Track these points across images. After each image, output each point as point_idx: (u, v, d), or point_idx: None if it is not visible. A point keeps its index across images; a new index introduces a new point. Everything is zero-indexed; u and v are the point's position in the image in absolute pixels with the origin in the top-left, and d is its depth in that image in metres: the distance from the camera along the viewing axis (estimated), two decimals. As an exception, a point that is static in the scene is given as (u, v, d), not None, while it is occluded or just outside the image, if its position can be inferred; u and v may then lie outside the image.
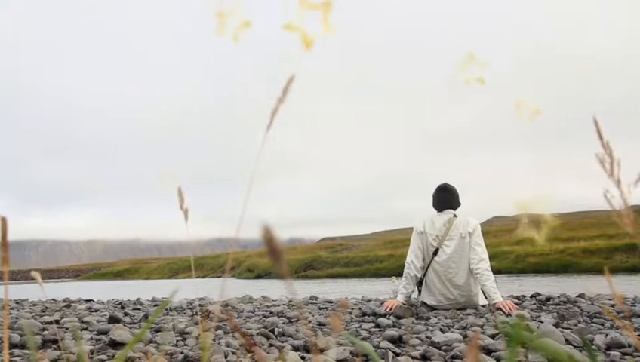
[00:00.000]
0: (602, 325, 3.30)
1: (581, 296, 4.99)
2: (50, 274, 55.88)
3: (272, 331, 3.18)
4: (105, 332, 3.22)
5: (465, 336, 2.88)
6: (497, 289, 4.05)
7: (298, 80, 0.72)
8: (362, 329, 3.36)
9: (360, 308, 4.20)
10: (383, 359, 2.37)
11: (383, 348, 2.57)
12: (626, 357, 2.40)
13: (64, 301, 6.80)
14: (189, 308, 4.83)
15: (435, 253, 4.21)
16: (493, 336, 2.89)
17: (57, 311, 5.04)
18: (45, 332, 3.22)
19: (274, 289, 11.16)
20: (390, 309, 4.00)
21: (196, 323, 3.52)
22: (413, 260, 4.25)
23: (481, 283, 4.05)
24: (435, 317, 3.79)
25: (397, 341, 2.88)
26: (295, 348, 2.74)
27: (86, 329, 3.64)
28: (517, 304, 4.35)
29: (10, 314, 4.73)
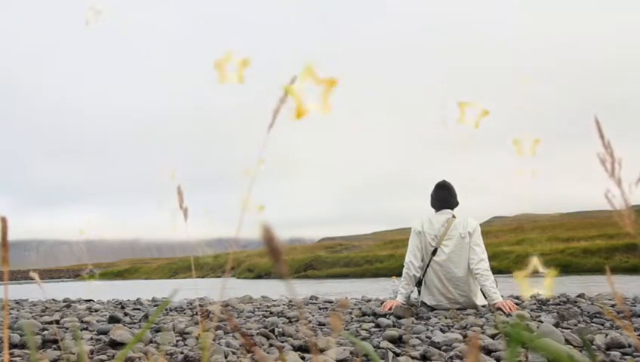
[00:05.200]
0: (602, 325, 3.30)
1: (581, 296, 4.99)
2: (50, 274, 55.85)
3: (272, 331, 3.18)
4: (105, 332, 3.22)
5: (465, 336, 2.88)
6: (497, 289, 4.05)
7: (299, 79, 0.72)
8: (362, 329, 3.36)
9: (360, 308, 4.20)
10: (383, 359, 2.37)
11: (383, 348, 2.57)
12: (626, 357, 2.40)
13: (64, 301, 6.80)
14: (189, 308, 4.83)
15: (434, 253, 4.21)
16: (493, 336, 2.89)
17: (57, 311, 5.04)
18: (45, 332, 3.21)
19: (274, 289, 11.16)
20: (390, 309, 4.00)
21: (196, 323, 3.52)
22: (412, 260, 4.25)
23: (481, 283, 4.05)
24: (435, 317, 3.79)
25: (397, 341, 2.88)
26: (295, 348, 2.73)
27: (86, 329, 3.64)
28: (517, 304, 4.35)
29: (10, 314, 4.73)
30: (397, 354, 2.53)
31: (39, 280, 0.96)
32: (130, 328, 3.53)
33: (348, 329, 3.38)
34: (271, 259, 0.55)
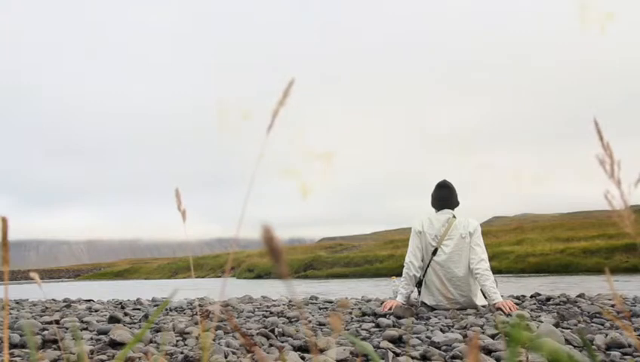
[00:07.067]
0: (602, 325, 3.30)
1: (581, 296, 4.99)
2: (50, 274, 55.85)
3: (272, 331, 3.18)
4: (105, 332, 3.22)
5: (465, 336, 2.88)
6: (497, 289, 4.05)
7: (299, 80, 0.72)
8: (362, 329, 3.36)
9: (360, 308, 4.20)
10: (383, 359, 2.37)
11: (383, 348, 2.57)
12: (626, 357, 2.40)
13: (64, 301, 6.80)
14: (189, 308, 4.83)
15: (434, 252, 4.21)
16: (493, 336, 2.89)
17: (57, 311, 5.04)
18: (45, 332, 3.22)
19: (274, 289, 11.16)
20: (390, 309, 4.00)
21: (196, 323, 3.52)
22: (412, 260, 4.25)
23: (481, 283, 4.05)
24: (435, 317, 3.79)
25: (397, 341, 2.88)
26: (295, 348, 2.74)
27: (86, 329, 3.64)
28: (517, 304, 4.35)
29: (10, 314, 4.73)
30: (397, 354, 2.53)
31: (39, 281, 0.96)
32: (130, 328, 3.54)
33: (348, 329, 3.38)
34: (271, 259, 0.55)
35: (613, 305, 4.18)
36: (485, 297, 4.09)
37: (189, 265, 42.34)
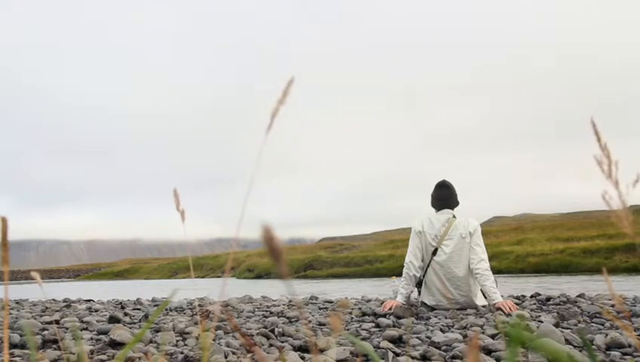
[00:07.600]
0: (602, 325, 3.31)
1: (581, 295, 4.99)
2: (50, 274, 55.86)
3: (272, 331, 3.18)
4: (105, 332, 3.23)
5: (465, 336, 2.88)
6: (497, 289, 4.05)
7: (299, 80, 0.72)
8: (362, 329, 3.37)
9: (360, 308, 4.20)
10: (383, 359, 2.37)
11: (383, 348, 2.57)
12: (626, 357, 2.40)
13: (64, 301, 6.80)
14: (189, 308, 4.83)
15: (435, 252, 4.21)
16: (493, 336, 2.89)
17: (57, 311, 5.04)
18: (45, 332, 3.22)
19: (274, 289, 11.16)
20: (390, 309, 4.01)
21: (196, 323, 3.52)
22: (412, 260, 4.25)
23: (481, 283, 4.05)
24: (435, 317, 3.79)
25: (397, 341, 2.88)
26: (295, 348, 2.74)
27: (86, 329, 3.64)
28: (517, 304, 4.35)
29: (10, 314, 4.73)
30: (397, 354, 2.53)
31: (40, 280, 0.96)
32: (130, 328, 3.54)
33: (348, 329, 3.38)
34: (271, 259, 0.55)
35: (613, 305, 4.18)
36: (485, 297, 4.09)
37: (188, 265, 42.31)
